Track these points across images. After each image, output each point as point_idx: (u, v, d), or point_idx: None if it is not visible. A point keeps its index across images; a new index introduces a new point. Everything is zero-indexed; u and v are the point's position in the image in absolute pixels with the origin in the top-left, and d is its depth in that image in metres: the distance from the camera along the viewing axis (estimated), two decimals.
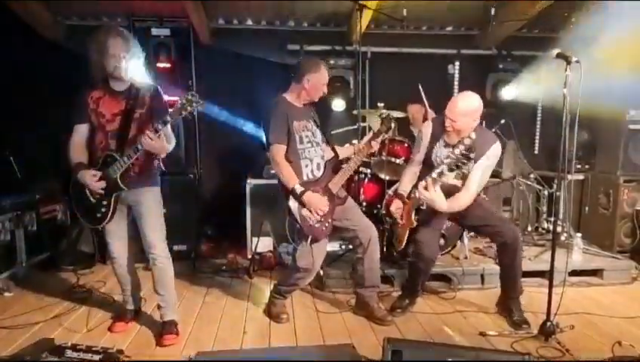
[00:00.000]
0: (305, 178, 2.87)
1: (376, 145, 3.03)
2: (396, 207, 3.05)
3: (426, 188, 2.75)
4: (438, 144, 2.96)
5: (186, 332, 2.88)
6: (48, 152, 4.07)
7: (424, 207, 2.95)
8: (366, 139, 3.06)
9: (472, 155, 2.66)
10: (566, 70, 2.44)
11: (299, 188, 2.77)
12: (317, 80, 2.86)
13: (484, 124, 4.43)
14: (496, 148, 2.85)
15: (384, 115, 3.10)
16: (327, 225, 2.87)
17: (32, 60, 4.40)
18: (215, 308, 3.29)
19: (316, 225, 2.82)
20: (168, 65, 4.55)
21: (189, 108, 2.45)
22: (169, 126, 2.59)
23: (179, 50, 4.64)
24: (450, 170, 2.67)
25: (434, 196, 2.73)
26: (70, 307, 3.23)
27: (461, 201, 2.82)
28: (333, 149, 3.05)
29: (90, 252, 4.22)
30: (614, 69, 3.53)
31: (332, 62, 5.06)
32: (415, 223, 2.94)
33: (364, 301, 3.11)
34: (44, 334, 2.79)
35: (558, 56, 2.50)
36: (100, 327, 2.92)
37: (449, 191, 2.82)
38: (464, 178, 2.85)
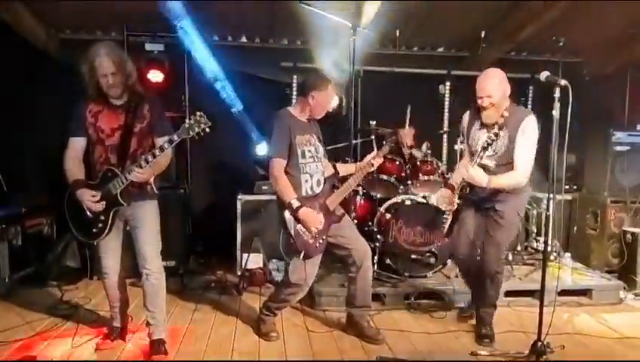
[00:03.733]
0: (304, 193, 2.85)
1: (377, 164, 3.02)
2: (442, 195, 3.14)
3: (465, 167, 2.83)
4: (474, 128, 3.01)
5: (174, 350, 2.82)
6: (36, 165, 4.03)
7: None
8: (368, 157, 3.03)
9: (501, 133, 2.74)
10: (554, 92, 2.49)
11: (295, 203, 2.74)
12: (322, 98, 2.85)
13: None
14: (528, 121, 2.79)
15: (387, 138, 3.14)
16: (321, 241, 2.85)
17: (22, 73, 4.38)
18: (203, 325, 3.23)
19: (310, 241, 2.81)
20: (161, 80, 4.55)
21: (196, 128, 2.43)
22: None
23: (172, 66, 4.66)
24: (484, 148, 2.72)
25: (472, 172, 2.77)
26: (54, 323, 3.15)
27: (510, 180, 2.81)
28: (334, 166, 3.05)
29: (77, 266, 4.14)
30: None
31: None
32: (456, 205, 3.10)
33: (355, 320, 3.08)
34: (26, 352, 2.72)
35: (547, 79, 2.55)
36: (85, 345, 2.84)
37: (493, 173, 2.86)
38: (502, 157, 2.86)
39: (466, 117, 3.13)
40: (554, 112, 2.49)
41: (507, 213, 2.92)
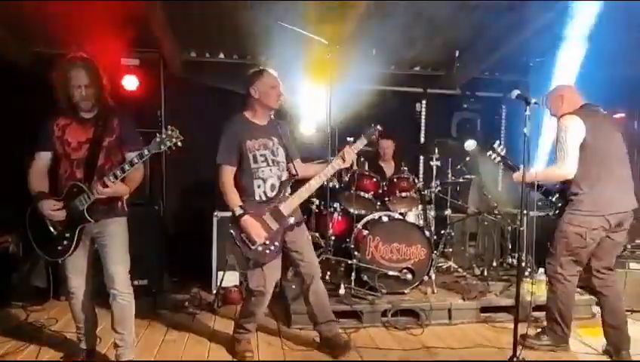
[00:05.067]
0: (257, 198, 2.81)
1: (349, 159, 2.84)
2: None
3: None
4: None
5: None
6: (2, 180, 3.90)
7: None
8: (340, 154, 2.87)
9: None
10: (525, 110, 2.55)
11: (238, 211, 2.71)
12: (263, 85, 2.80)
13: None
14: (561, 120, 2.96)
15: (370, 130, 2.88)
16: (272, 248, 2.77)
17: None
18: (176, 346, 3.13)
19: (259, 249, 2.75)
20: (136, 95, 4.50)
21: (168, 143, 2.39)
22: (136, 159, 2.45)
23: (148, 81, 4.61)
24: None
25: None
26: (18, 346, 3.01)
27: (552, 173, 3.03)
28: (293, 168, 2.95)
29: (43, 286, 3.98)
30: None
31: None
32: None
33: (325, 336, 3.05)
34: None
35: (518, 97, 2.62)
36: None
37: None
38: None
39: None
40: (524, 130, 2.55)
41: (560, 224, 3.02)
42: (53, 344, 3.05)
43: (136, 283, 3.89)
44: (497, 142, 3.34)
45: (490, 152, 3.33)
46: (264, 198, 2.83)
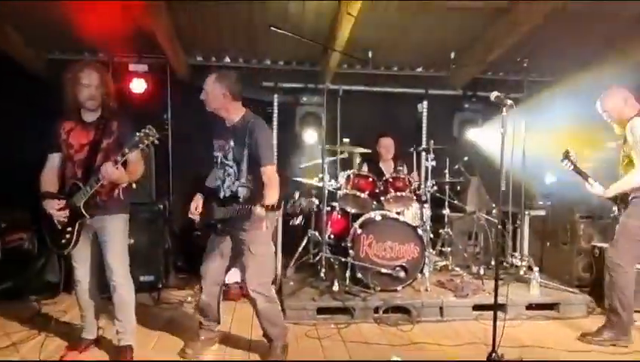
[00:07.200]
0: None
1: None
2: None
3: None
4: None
5: (141, 357, 2.89)
6: (17, 181, 4.14)
7: None
8: None
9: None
10: (502, 112, 2.61)
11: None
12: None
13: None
14: (632, 122, 3.04)
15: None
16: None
17: (7, 91, 4.53)
18: (172, 339, 3.27)
19: None
20: (144, 99, 4.71)
21: (145, 141, 2.54)
22: (134, 155, 2.62)
23: (155, 86, 4.82)
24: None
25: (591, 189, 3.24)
26: (28, 335, 3.22)
27: (631, 181, 3.10)
28: None
29: (56, 281, 4.21)
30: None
31: (305, 99, 5.30)
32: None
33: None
34: None
35: (496, 98, 2.68)
36: (55, 356, 2.92)
37: None
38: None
39: None
40: (501, 130, 2.61)
41: (622, 222, 3.18)
42: (61, 334, 3.24)
43: (142, 278, 4.15)
44: (569, 149, 3.29)
45: (564, 160, 3.29)
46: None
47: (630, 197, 3.13)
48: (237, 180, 2.80)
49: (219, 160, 2.88)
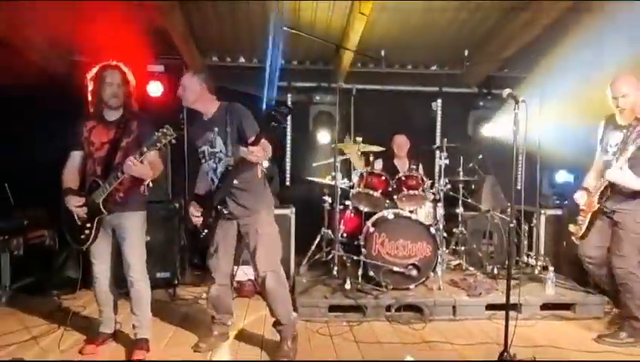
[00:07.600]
0: None
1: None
2: (580, 196, 3.30)
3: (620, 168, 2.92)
4: (608, 130, 3.16)
5: (157, 350, 2.98)
6: (39, 180, 4.26)
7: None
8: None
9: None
10: (515, 109, 2.59)
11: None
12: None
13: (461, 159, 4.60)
14: None
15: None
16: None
17: (30, 92, 4.66)
18: (187, 334, 3.34)
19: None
20: (161, 99, 4.80)
21: (163, 140, 2.61)
22: (152, 154, 2.69)
23: (171, 86, 4.89)
24: (623, 150, 2.88)
25: (617, 175, 2.93)
26: (48, 329, 3.33)
27: None
28: None
29: (77, 277, 4.30)
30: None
31: (318, 98, 5.33)
32: (598, 205, 3.13)
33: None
34: (18, 354, 2.89)
35: (509, 95, 2.66)
36: (73, 349, 3.01)
37: None
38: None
39: (602, 120, 3.25)
40: (513, 128, 2.59)
41: (627, 223, 3.06)
42: (80, 328, 3.34)
43: (158, 275, 4.24)
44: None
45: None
46: None
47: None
48: (227, 157, 2.86)
49: (206, 152, 2.94)
